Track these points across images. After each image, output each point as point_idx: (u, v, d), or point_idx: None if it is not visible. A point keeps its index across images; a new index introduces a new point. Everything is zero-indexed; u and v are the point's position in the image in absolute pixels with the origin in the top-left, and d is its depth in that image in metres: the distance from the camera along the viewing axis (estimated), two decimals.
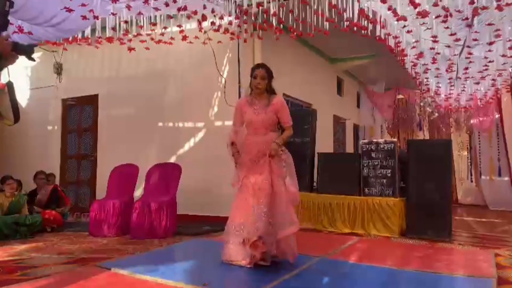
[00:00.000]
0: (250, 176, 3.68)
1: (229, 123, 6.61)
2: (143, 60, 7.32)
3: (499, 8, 4.35)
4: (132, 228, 5.58)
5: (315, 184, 6.75)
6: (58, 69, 8.39)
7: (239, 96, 6.50)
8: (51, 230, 6.05)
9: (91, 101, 8.23)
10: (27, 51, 2.15)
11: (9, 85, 2.23)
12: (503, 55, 5.74)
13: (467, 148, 11.75)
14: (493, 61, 6.12)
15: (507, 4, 4.34)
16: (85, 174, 8.32)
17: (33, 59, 2.20)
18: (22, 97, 9.05)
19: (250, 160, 3.72)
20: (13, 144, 8.89)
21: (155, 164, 6.51)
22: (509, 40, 5.36)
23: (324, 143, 8.69)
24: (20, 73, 8.79)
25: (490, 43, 5.46)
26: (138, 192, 6.58)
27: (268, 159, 3.60)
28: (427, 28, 5.10)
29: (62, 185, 7.90)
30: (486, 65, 6.38)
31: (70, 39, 6.18)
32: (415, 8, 4.33)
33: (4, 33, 2.06)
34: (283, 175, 3.62)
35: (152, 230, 5.53)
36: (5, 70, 2.12)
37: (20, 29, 5.01)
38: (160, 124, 7.45)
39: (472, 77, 7.26)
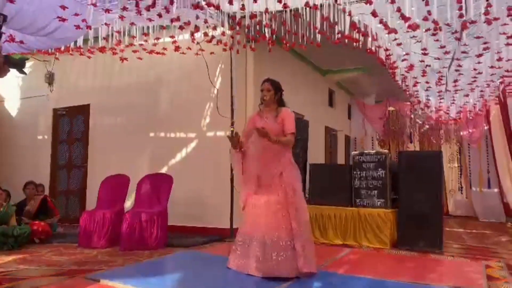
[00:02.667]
0: (260, 195, 3.66)
1: (221, 133, 6.66)
2: (135, 70, 7.32)
3: (488, 22, 4.43)
4: (122, 239, 5.51)
5: (306, 195, 6.75)
6: (50, 79, 8.35)
7: (232, 107, 6.52)
8: (40, 242, 5.95)
9: (83, 111, 8.18)
10: (19, 64, 2.15)
11: None
12: (492, 67, 5.83)
13: (457, 159, 11.85)
14: (481, 72, 6.22)
15: (495, 19, 4.42)
16: (76, 184, 8.24)
17: (24, 72, 2.20)
18: (13, 106, 8.99)
19: (258, 177, 3.70)
20: (3, 153, 8.79)
21: (146, 174, 6.47)
22: (497, 52, 5.45)
23: (316, 154, 8.71)
24: (11, 83, 8.74)
25: (479, 55, 5.56)
26: (129, 203, 6.52)
27: (283, 179, 3.61)
28: (417, 41, 5.18)
29: (51, 195, 7.81)
30: (475, 77, 6.48)
31: (62, 48, 6.16)
32: (406, 21, 4.40)
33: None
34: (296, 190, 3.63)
35: (142, 241, 5.47)
36: None
37: (12, 38, 4.99)
38: (152, 134, 7.42)
39: (462, 89, 7.36)
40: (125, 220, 5.55)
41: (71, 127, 8.45)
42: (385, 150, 6.73)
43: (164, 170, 6.96)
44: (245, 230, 3.69)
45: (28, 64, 8.43)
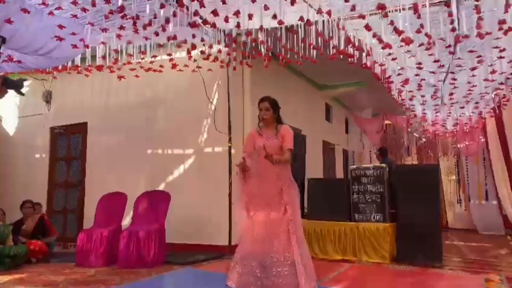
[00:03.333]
0: (260, 213, 3.65)
1: (218, 149, 6.67)
2: (132, 88, 7.36)
3: (480, 36, 4.50)
4: (120, 258, 5.47)
5: (305, 210, 6.73)
6: (47, 97, 8.38)
7: (229, 123, 6.55)
8: (37, 261, 5.90)
9: (80, 129, 8.19)
10: (17, 85, 2.18)
11: None
12: (486, 79, 5.89)
13: (455, 172, 11.85)
14: (476, 85, 6.27)
15: (487, 33, 4.49)
16: (73, 203, 8.19)
17: (22, 94, 2.22)
18: (11, 125, 9.00)
19: (258, 195, 3.69)
20: (0, 172, 8.76)
21: (144, 192, 6.45)
22: (491, 65, 5.52)
23: (314, 168, 8.71)
24: (8, 101, 8.75)
25: (473, 69, 5.62)
26: (126, 221, 6.48)
27: (283, 195, 3.60)
28: (412, 56, 5.24)
29: (49, 214, 7.76)
30: (470, 90, 6.53)
31: (60, 67, 6.20)
32: (399, 35, 4.46)
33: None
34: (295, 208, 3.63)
35: (140, 260, 5.43)
36: None
37: (10, 58, 5.02)
38: (150, 151, 7.42)
39: (457, 102, 7.42)
40: (122, 238, 5.52)
41: (68, 145, 8.45)
42: (383, 164, 6.73)
43: (161, 187, 6.94)
44: (245, 247, 3.67)
45: (26, 83, 8.44)
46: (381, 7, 4.02)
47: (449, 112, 8.38)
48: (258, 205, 3.68)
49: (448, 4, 4.12)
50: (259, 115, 3.86)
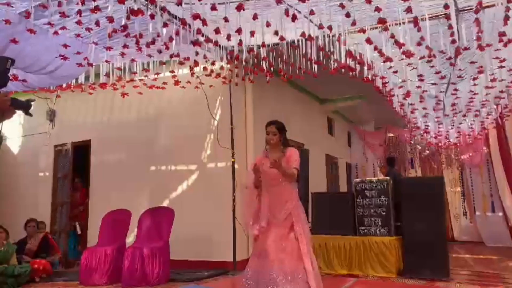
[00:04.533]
0: (269, 232, 3.65)
1: (222, 164, 6.67)
2: (136, 105, 7.40)
3: (480, 48, 4.53)
4: (124, 276, 5.42)
5: (309, 224, 6.67)
6: (51, 116, 8.43)
7: (232, 138, 6.56)
8: (41, 280, 5.86)
9: (84, 147, 8.22)
10: (25, 106, 2.20)
11: None
12: (487, 87, 5.90)
13: (460, 184, 11.79)
14: (477, 93, 6.28)
15: (488, 45, 4.52)
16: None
17: (30, 114, 2.24)
18: (14, 144, 9.04)
19: (267, 216, 3.70)
20: (4, 191, 8.76)
21: (147, 208, 6.44)
22: (491, 74, 5.54)
23: (317, 182, 8.69)
24: (12, 121, 8.80)
25: (474, 79, 5.65)
26: (130, 238, 6.45)
27: (291, 218, 3.61)
28: (413, 68, 5.28)
29: (52, 232, 7.74)
30: (471, 98, 6.53)
31: (64, 85, 6.26)
32: (400, 48, 4.50)
33: (3, 89, 2.11)
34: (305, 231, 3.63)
35: (144, 277, 5.38)
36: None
37: (15, 77, 5.08)
38: (153, 168, 7.42)
39: (460, 111, 7.42)
40: (126, 256, 5.48)
41: (71, 163, 8.46)
42: (386, 177, 6.71)
43: (165, 203, 6.93)
44: (255, 265, 3.65)
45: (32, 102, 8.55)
46: (382, 21, 4.07)
47: (452, 124, 8.38)
48: (267, 224, 3.68)
49: (448, 17, 4.17)
50: (266, 139, 3.88)
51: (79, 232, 7.93)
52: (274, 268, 3.47)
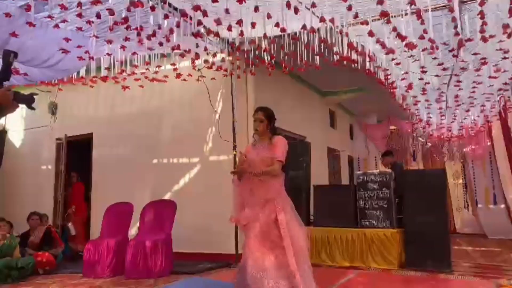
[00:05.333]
0: (250, 225, 3.57)
1: (224, 157, 6.66)
2: (137, 98, 7.39)
3: (484, 39, 4.50)
4: (127, 268, 5.46)
5: (311, 217, 6.70)
6: (53, 109, 8.43)
7: (233, 131, 6.55)
8: (44, 273, 5.90)
9: (86, 140, 8.22)
10: (28, 100, 2.19)
11: (2, 135, 2.25)
12: (491, 77, 5.85)
13: (462, 176, 11.77)
14: (481, 82, 6.22)
15: (491, 36, 4.49)
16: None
17: (33, 108, 2.23)
18: (17, 138, 9.06)
19: (251, 203, 3.61)
20: (7, 184, 8.80)
21: (150, 201, 6.45)
22: (495, 65, 5.50)
23: (319, 175, 8.68)
24: (14, 114, 8.81)
25: (477, 70, 5.61)
26: (133, 231, 6.48)
27: (272, 207, 3.52)
28: (415, 60, 5.24)
29: (55, 226, 7.76)
30: (474, 87, 6.47)
31: (65, 79, 6.25)
32: (403, 40, 4.46)
33: (6, 83, 2.11)
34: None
35: (147, 270, 5.41)
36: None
37: (16, 71, 5.08)
38: (155, 161, 7.43)
39: (463, 103, 7.38)
40: (129, 249, 5.51)
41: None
42: (388, 170, 6.70)
43: (167, 196, 6.94)
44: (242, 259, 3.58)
45: (35, 97, 8.54)
46: (384, 14, 4.03)
47: (454, 116, 8.35)
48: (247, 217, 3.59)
49: (451, 9, 4.12)
50: (253, 126, 3.73)
51: (73, 233, 7.62)
52: (254, 267, 3.37)
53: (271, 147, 3.58)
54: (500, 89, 6.66)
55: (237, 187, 3.67)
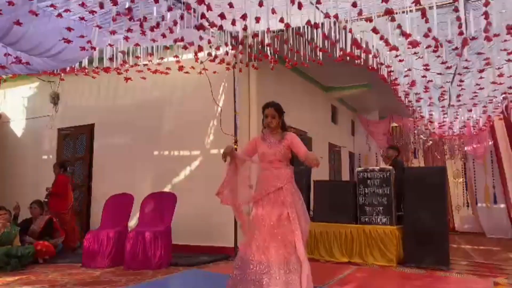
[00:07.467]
0: (262, 209, 3.60)
1: None
2: (139, 89, 7.38)
3: (488, 38, 4.47)
4: (126, 259, 5.49)
5: (311, 212, 6.71)
6: (55, 99, 8.43)
7: (235, 125, 6.55)
8: (44, 262, 5.93)
9: (87, 130, 8.24)
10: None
11: None
12: (493, 82, 5.84)
13: (462, 175, 11.76)
14: (483, 88, 6.21)
15: (495, 35, 4.46)
16: (80, 204, 8.22)
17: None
18: (18, 127, 9.07)
19: (263, 194, 3.65)
20: (8, 173, 8.83)
21: (150, 193, 6.47)
22: (498, 68, 5.47)
23: (319, 171, 8.67)
24: (16, 103, 8.83)
25: (480, 71, 5.58)
26: (133, 222, 6.50)
27: (283, 194, 3.56)
28: (419, 57, 5.22)
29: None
30: (476, 92, 6.47)
31: (68, 69, 6.25)
32: (407, 38, 4.44)
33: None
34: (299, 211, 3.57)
35: (146, 261, 5.44)
36: None
37: (19, 60, 5.07)
38: (156, 152, 7.44)
39: (465, 104, 7.35)
40: (128, 240, 5.53)
41: (75, 146, 8.49)
42: (389, 167, 6.69)
43: (168, 188, 6.96)
44: (244, 251, 3.59)
45: (34, 84, 8.55)
46: (389, 12, 4.00)
47: (457, 114, 8.32)
48: (258, 204, 3.64)
49: (456, 9, 4.10)
50: (264, 121, 3.78)
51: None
52: (261, 260, 3.39)
53: (285, 143, 3.64)
54: (504, 93, 6.64)
55: (228, 166, 3.96)
